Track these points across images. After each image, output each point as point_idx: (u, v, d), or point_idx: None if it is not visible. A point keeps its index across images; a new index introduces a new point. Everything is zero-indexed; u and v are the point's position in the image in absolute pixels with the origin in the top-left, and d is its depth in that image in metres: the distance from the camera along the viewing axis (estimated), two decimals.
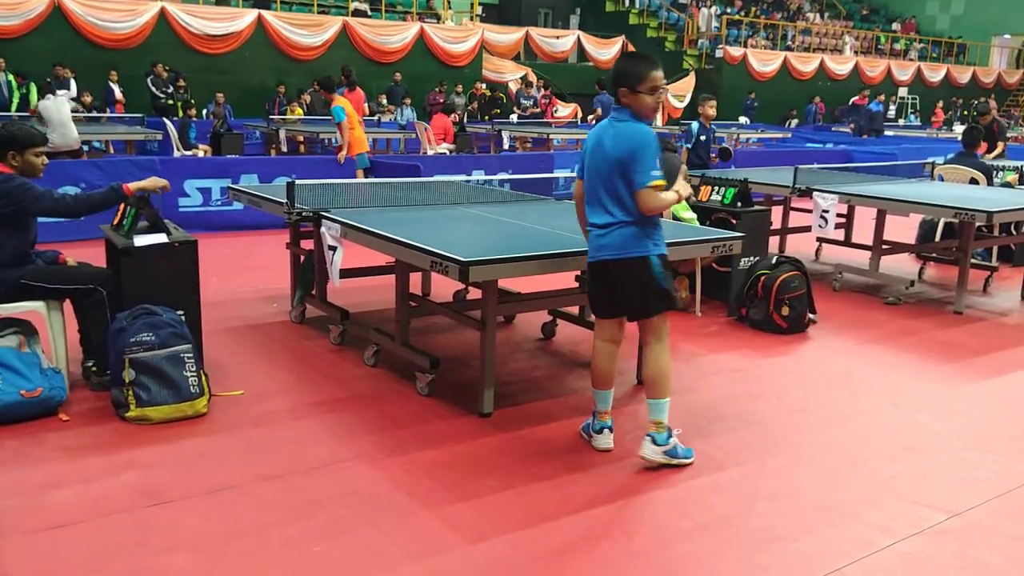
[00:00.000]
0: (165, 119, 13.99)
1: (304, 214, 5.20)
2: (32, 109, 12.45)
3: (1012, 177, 9.42)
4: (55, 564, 2.97)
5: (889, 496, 3.66)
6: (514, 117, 19.41)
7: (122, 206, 4.82)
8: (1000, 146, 10.86)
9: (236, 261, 7.93)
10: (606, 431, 3.99)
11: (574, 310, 5.53)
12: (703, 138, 8.74)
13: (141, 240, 4.51)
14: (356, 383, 4.83)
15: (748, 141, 18.82)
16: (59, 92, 12.65)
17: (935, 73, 30.73)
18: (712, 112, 8.80)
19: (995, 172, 9.13)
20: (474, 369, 4.99)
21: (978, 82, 31.51)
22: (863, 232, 8.21)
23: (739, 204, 6.52)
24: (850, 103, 21.37)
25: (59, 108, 10.76)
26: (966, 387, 5.10)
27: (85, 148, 13.38)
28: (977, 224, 6.62)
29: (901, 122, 27.12)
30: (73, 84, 15.46)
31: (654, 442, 3.80)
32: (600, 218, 3.72)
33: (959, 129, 19.02)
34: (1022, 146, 18.65)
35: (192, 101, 15.71)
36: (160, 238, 4.56)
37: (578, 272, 5.59)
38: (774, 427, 4.39)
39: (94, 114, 14.88)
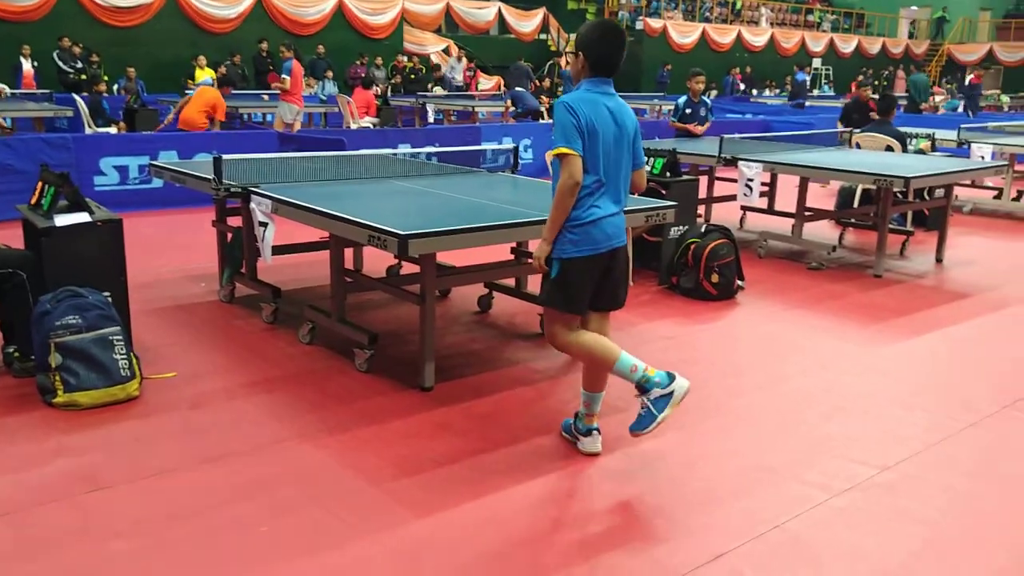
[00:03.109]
0: (75, 95, 13.43)
1: (232, 190, 5.07)
2: None
3: (925, 144, 9.77)
4: None
5: (823, 454, 3.78)
6: (438, 90, 19.24)
7: (40, 184, 4.63)
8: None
9: (158, 240, 7.70)
10: (595, 433, 3.74)
11: (510, 282, 5.53)
12: (688, 111, 9.10)
13: (62, 220, 4.34)
14: (292, 362, 4.76)
15: (669, 112, 18.99)
16: None
17: (847, 44, 31.56)
18: (699, 87, 9.09)
19: (908, 139, 9.44)
20: (412, 344, 4.96)
21: (887, 53, 32.48)
22: (784, 200, 8.41)
23: (668, 174, 6.60)
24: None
25: None
26: (889, 347, 5.29)
27: None
28: (894, 190, 6.84)
29: (815, 92, 27.79)
30: None
31: (599, 432, 3.77)
32: (619, 202, 3.53)
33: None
34: (933, 115, 19.32)
35: (105, 77, 15.12)
36: (82, 217, 4.40)
37: (513, 244, 5.61)
38: (710, 392, 4.49)
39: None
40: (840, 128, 10.08)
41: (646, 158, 6.72)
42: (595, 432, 3.74)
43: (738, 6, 31.05)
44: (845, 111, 11.79)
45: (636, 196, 4.46)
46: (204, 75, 16.79)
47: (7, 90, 14.05)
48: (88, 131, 12.24)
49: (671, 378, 3.47)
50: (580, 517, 3.23)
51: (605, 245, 3.47)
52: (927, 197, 8.36)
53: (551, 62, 22.98)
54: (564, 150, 3.33)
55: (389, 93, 17.36)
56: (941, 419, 4.20)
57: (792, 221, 7.71)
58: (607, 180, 3.45)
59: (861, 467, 3.65)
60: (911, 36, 34.63)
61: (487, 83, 21.29)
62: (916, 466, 3.68)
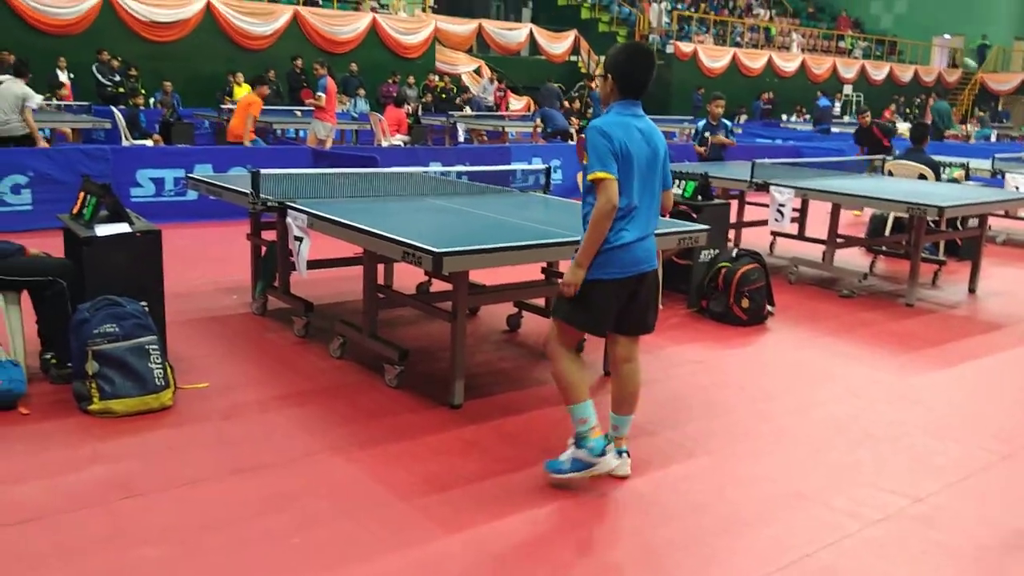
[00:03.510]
0: (113, 108, 13.67)
1: (269, 204, 5.14)
2: None
3: (958, 173, 9.70)
4: (23, 558, 2.91)
5: (854, 482, 3.75)
6: (467, 109, 19.37)
7: (82, 194, 4.71)
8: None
9: (192, 252, 7.79)
10: (625, 455, 3.68)
11: (540, 302, 5.55)
12: (708, 134, 9.38)
13: (103, 230, 4.42)
14: (323, 375, 4.79)
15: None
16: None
17: (879, 71, 31.41)
18: (718, 110, 9.34)
19: (942, 168, 9.39)
20: (441, 361, 4.99)
21: (920, 81, 32.30)
22: (814, 226, 8.38)
23: (699, 197, 6.60)
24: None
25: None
26: (921, 376, 5.24)
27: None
28: (927, 219, 6.80)
29: (846, 119, 27.68)
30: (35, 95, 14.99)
31: (628, 456, 3.70)
32: (651, 226, 3.53)
33: (903, 127, 19.49)
34: (962, 144, 19.19)
35: (143, 91, 15.37)
36: (122, 227, 4.47)
37: (544, 264, 5.63)
38: (740, 416, 4.47)
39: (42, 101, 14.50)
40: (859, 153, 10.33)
41: (677, 181, 6.78)
42: (626, 454, 3.69)
43: (772, 32, 31.08)
44: (856, 138, 12.46)
45: (664, 218, 4.43)
46: (242, 91, 17.06)
47: (39, 100, 14.29)
48: (125, 143, 12.44)
49: (602, 453, 3.48)
50: (605, 539, 3.22)
51: (633, 270, 3.45)
52: (960, 227, 8.30)
53: (581, 83, 23.08)
54: (601, 175, 3.31)
55: (420, 112, 17.50)
56: (973, 450, 4.15)
57: (823, 247, 7.67)
58: (639, 204, 3.44)
59: (892, 496, 3.62)
60: (952, 64, 34.41)
61: (517, 103, 21.40)
62: (949, 497, 3.64)
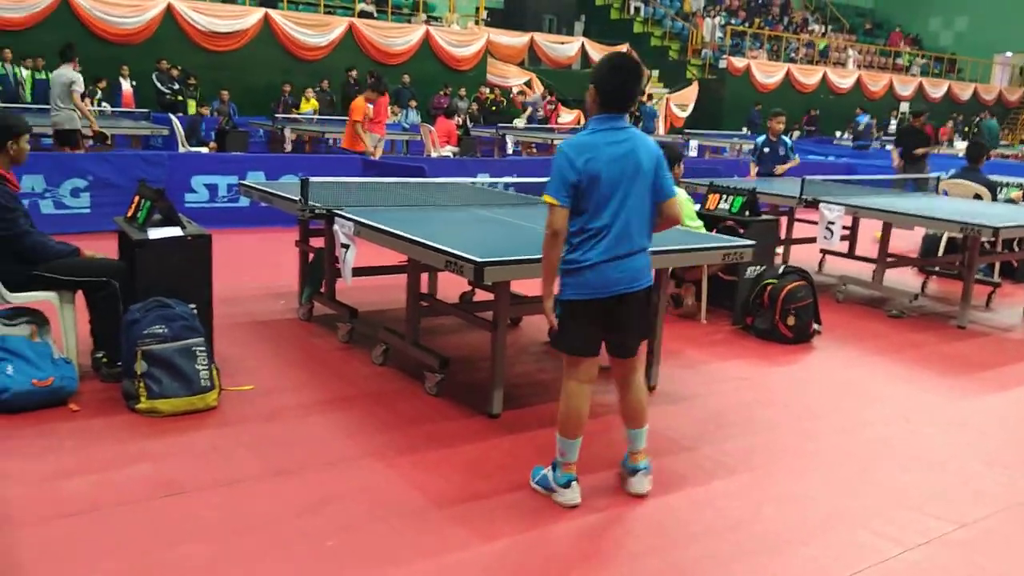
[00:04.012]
0: (171, 115, 14.00)
1: (318, 211, 5.22)
2: None
3: (1016, 194, 9.49)
4: (71, 551, 2.98)
5: (898, 505, 3.68)
6: (519, 122, 19.46)
7: (136, 198, 4.84)
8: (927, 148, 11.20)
9: (242, 257, 7.94)
10: (574, 484, 3.53)
11: None
12: (767, 150, 9.40)
13: (155, 233, 4.52)
14: (365, 381, 4.84)
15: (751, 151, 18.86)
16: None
17: (937, 89, 30.86)
18: (779, 127, 9.40)
19: (999, 188, 9.18)
20: (481, 370, 5.00)
21: (979, 99, 31.64)
22: (865, 244, 8.25)
23: (747, 213, 6.55)
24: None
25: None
26: (972, 401, 5.13)
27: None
28: (982, 240, 6.66)
29: None
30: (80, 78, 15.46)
31: (648, 472, 3.62)
32: (633, 244, 3.36)
33: (960, 145, 19.12)
34: (1020, 164, 18.74)
35: (203, 99, 15.74)
36: (174, 231, 4.57)
37: None
38: (783, 434, 4.41)
39: (103, 107, 14.95)
40: (894, 153, 10.25)
41: (724, 196, 6.73)
42: (575, 482, 3.52)
43: (825, 47, 30.70)
44: (898, 134, 12.44)
45: (678, 227, 4.31)
46: (308, 107, 17.37)
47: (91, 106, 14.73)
48: (182, 150, 12.73)
49: (565, 485, 3.50)
50: (639, 554, 3.20)
51: (605, 291, 3.33)
52: (1017, 249, 8.11)
53: None
54: (548, 199, 3.27)
55: (470, 123, 17.61)
56: (1022, 478, 4.04)
57: (873, 267, 7.55)
58: (614, 223, 3.29)
59: (937, 521, 3.54)
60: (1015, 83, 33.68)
61: (568, 116, 21.43)
62: (995, 524, 3.56)
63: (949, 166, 12.61)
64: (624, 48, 24.65)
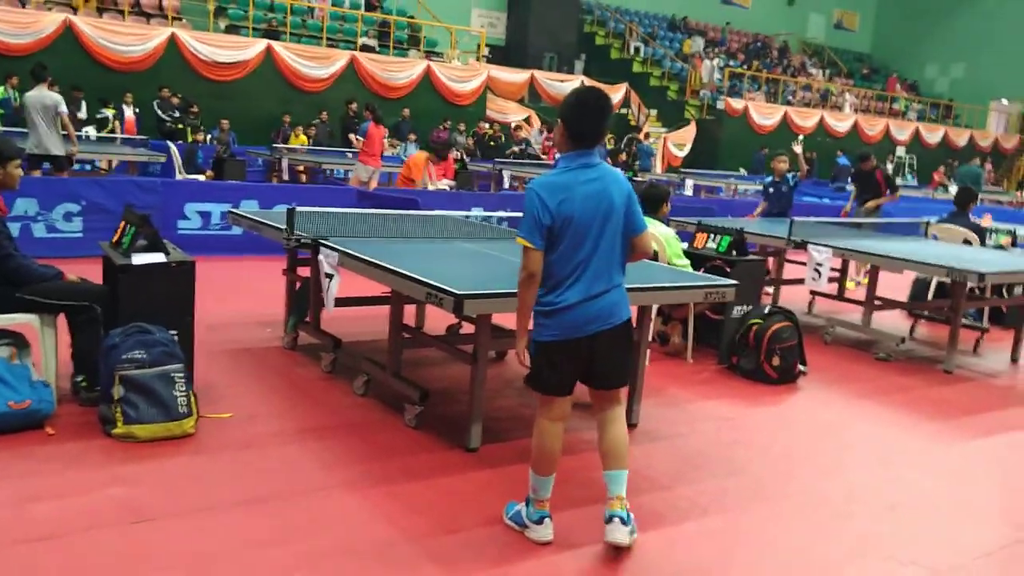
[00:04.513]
0: (169, 142, 14.08)
1: (303, 241, 5.24)
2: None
3: (1005, 239, 9.52)
4: None
5: (874, 552, 3.65)
6: (522, 140, 19.74)
7: (122, 224, 4.86)
8: (888, 196, 10.77)
9: (232, 285, 7.95)
10: (547, 520, 3.49)
11: None
12: (771, 190, 9.68)
13: (139, 259, 4.53)
14: (345, 411, 4.83)
15: (746, 192, 18.99)
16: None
17: (933, 134, 31.09)
18: (782, 167, 9.65)
19: (988, 234, 9.23)
20: (463, 404, 4.98)
21: (975, 145, 31.88)
22: (859, 288, 8.27)
23: (734, 253, 6.57)
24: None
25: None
26: (955, 446, 5.11)
27: (86, 167, 13.55)
28: (969, 285, 6.67)
29: (899, 181, 27.38)
30: (84, 104, 15.68)
31: (623, 522, 3.40)
32: (609, 281, 3.35)
33: (954, 190, 19.23)
34: (1015, 210, 18.85)
35: (202, 127, 15.86)
36: (158, 257, 4.59)
37: None
38: (760, 476, 4.39)
39: (106, 133, 15.13)
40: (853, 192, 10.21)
41: (712, 236, 6.76)
42: (548, 519, 3.50)
43: (822, 89, 31.00)
44: (854, 177, 11.76)
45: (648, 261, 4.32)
46: (298, 142, 17.51)
47: (93, 133, 14.89)
48: (178, 177, 12.79)
49: (538, 521, 3.48)
50: None
51: (578, 332, 3.30)
52: (1006, 294, 8.13)
53: (629, 136, 23.20)
54: (523, 242, 3.26)
55: (467, 158, 17.72)
56: (1001, 526, 4.02)
57: (862, 309, 7.56)
58: (589, 263, 3.28)
59: (912, 568, 3.52)
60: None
61: None
62: (973, 573, 3.53)
63: (943, 211, 12.69)
64: (582, 82, 24.95)
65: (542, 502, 3.50)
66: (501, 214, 9.94)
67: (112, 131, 15.56)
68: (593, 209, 3.27)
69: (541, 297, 3.34)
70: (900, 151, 29.85)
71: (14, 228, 7.80)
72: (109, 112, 15.85)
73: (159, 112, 16.51)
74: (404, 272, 4.29)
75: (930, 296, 8.41)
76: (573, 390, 3.49)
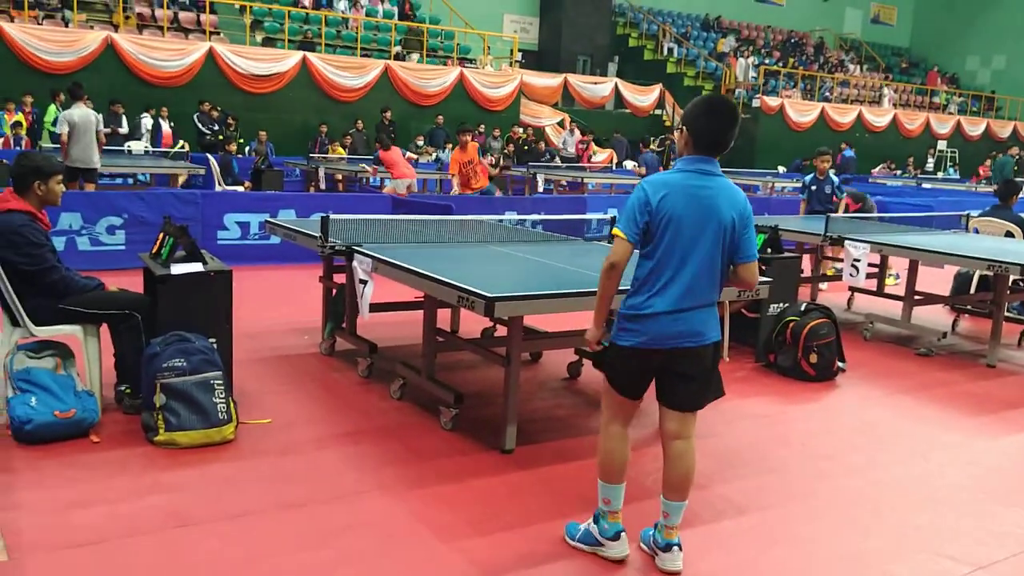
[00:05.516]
0: (208, 155, 14.32)
1: (337, 248, 5.30)
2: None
3: None
4: None
5: (913, 547, 3.61)
6: (558, 141, 19.80)
7: (160, 235, 4.96)
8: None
9: (271, 294, 8.06)
10: (623, 535, 3.36)
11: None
12: (814, 188, 9.64)
13: (178, 268, 4.63)
14: (381, 415, 4.88)
15: (783, 189, 18.81)
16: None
17: (975, 127, 30.56)
18: (824, 166, 9.64)
19: None
20: (498, 406, 5.01)
21: (1019, 136, 31.24)
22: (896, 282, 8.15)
23: (769, 250, 6.52)
24: None
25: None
26: (996, 440, 5.02)
27: (128, 180, 13.88)
28: (1012, 277, 6.55)
29: (940, 175, 26.95)
30: (124, 120, 16.03)
31: (680, 548, 3.31)
32: (701, 298, 3.16)
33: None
34: None
35: (240, 140, 16.12)
36: (196, 267, 4.68)
37: None
38: (798, 474, 4.36)
39: (148, 148, 15.48)
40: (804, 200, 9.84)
41: None
42: (623, 533, 3.37)
43: (855, 84, 30.60)
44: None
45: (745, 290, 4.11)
46: (336, 154, 17.73)
47: (137, 148, 15.27)
48: (217, 189, 13.00)
49: (614, 537, 3.32)
50: None
51: (661, 344, 3.13)
52: None
53: (663, 136, 23.12)
54: (616, 231, 3.16)
55: (503, 161, 17.79)
56: None
57: (902, 304, 7.45)
58: (683, 273, 3.11)
59: (952, 563, 3.47)
60: None
61: (601, 155, 21.53)
62: (1012, 567, 3.47)
63: (985, 204, 12.45)
64: (616, 85, 24.81)
65: (615, 514, 3.32)
66: (534, 217, 9.98)
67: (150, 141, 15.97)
68: (696, 216, 3.10)
69: (627, 298, 3.21)
70: (941, 144, 29.36)
71: (60, 242, 8.02)
72: (148, 118, 16.20)
73: (199, 125, 16.81)
74: (435, 276, 4.33)
75: (973, 290, 8.26)
76: (642, 398, 3.34)
